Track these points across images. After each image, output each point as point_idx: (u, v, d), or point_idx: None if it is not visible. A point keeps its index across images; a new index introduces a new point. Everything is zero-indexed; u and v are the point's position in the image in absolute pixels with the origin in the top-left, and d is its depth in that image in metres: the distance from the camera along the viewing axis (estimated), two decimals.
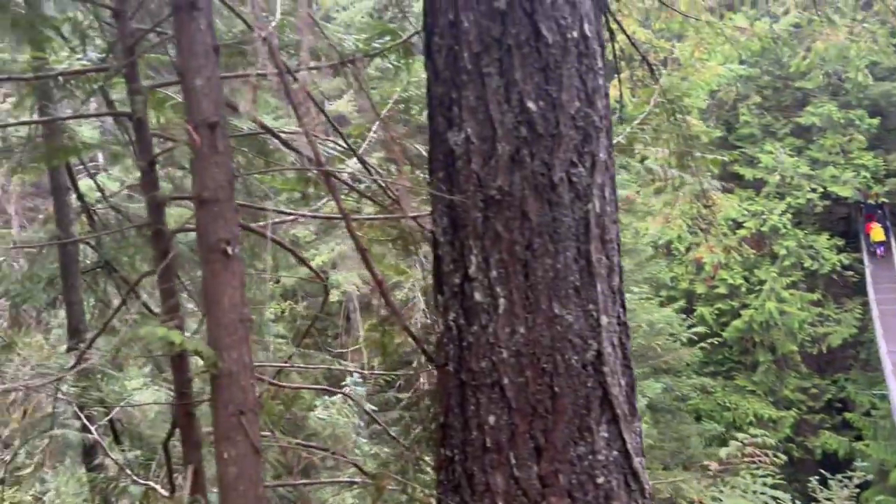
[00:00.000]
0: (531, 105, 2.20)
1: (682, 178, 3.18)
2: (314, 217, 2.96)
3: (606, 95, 2.31)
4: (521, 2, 2.20)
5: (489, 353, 2.23)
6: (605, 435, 2.20)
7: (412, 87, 3.83)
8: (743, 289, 23.19)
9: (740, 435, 8.90)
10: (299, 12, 2.16)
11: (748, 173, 24.07)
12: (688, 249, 21.60)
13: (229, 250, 2.06)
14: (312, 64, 2.63)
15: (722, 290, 23.03)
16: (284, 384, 2.94)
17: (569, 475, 2.16)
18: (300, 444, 2.96)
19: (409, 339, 2.39)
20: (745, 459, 7.88)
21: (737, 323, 22.83)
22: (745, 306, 22.98)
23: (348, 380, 7.09)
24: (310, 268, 2.81)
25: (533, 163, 2.20)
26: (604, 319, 2.22)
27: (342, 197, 3.37)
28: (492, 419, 2.22)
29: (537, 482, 2.16)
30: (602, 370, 2.20)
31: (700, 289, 23.12)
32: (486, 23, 2.23)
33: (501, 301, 2.21)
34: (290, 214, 2.89)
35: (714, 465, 8.12)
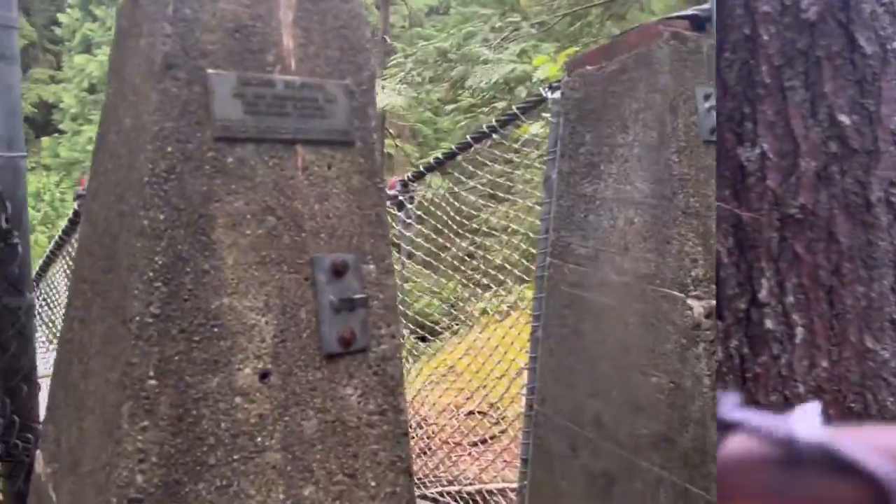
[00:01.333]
0: (843, 119, 2.03)
1: None
2: None
3: None
4: (834, 13, 2.08)
5: (781, 386, 2.03)
6: None
7: None
8: None
9: None
10: None
11: None
12: None
13: None
14: None
15: None
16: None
17: None
18: None
19: None
20: None
21: None
22: None
23: None
24: None
25: (844, 180, 2.02)
26: None
27: None
28: None
29: None
30: None
31: None
32: (790, 35, 2.12)
33: (799, 330, 2.01)
34: None
35: None
